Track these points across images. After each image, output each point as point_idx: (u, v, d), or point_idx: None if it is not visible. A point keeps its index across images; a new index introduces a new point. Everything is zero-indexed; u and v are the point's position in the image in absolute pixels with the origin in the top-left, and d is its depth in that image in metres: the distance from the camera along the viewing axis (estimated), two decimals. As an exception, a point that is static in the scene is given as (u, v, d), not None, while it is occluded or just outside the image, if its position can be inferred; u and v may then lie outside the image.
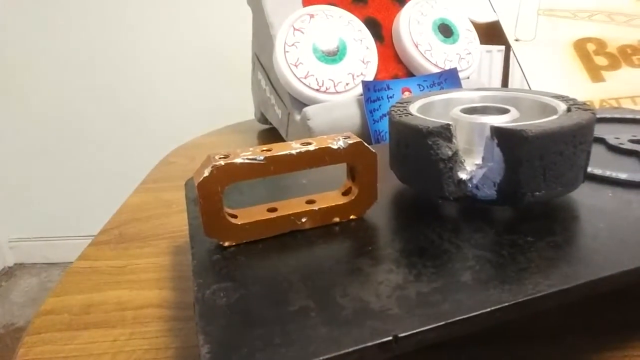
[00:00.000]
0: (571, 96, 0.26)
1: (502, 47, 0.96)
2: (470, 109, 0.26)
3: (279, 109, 0.50)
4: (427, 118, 0.23)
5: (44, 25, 1.37)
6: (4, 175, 1.53)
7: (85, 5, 1.35)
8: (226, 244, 0.21)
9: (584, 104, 0.24)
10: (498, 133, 0.21)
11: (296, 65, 0.44)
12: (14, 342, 1.22)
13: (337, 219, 0.23)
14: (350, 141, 0.22)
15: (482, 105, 0.27)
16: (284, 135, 0.51)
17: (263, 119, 0.59)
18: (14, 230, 1.61)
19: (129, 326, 0.24)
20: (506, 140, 0.20)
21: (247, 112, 0.70)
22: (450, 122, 0.22)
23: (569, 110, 0.23)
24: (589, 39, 0.59)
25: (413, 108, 0.26)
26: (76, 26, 1.37)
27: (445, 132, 0.22)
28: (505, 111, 0.25)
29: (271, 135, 0.59)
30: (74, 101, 1.45)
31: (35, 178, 1.54)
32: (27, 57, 1.40)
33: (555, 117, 0.22)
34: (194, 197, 0.27)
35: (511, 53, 0.60)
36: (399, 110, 0.25)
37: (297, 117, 0.45)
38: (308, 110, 0.43)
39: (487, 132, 0.21)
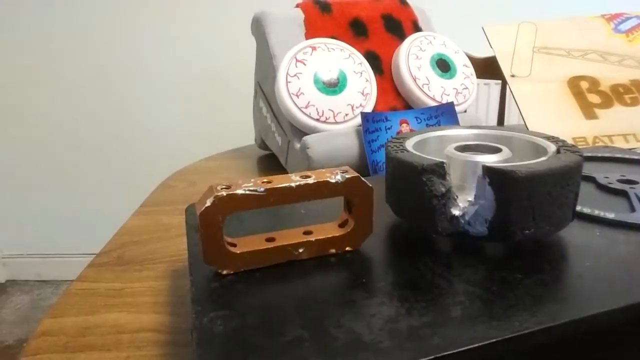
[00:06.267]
0: (565, 133, 0.27)
1: (500, 81, 0.98)
2: (464, 147, 0.27)
3: (279, 137, 0.51)
4: (423, 155, 0.24)
5: (46, 44, 1.39)
6: (-1, 192, 1.53)
7: (89, 24, 1.38)
8: (225, 272, 0.22)
9: (573, 146, 0.25)
10: (490, 172, 0.22)
11: (297, 95, 0.45)
12: (2, 360, 1.20)
13: (333, 250, 0.23)
14: (347, 175, 0.22)
15: (476, 143, 0.28)
16: (283, 163, 0.52)
17: (263, 145, 0.60)
18: (7, 247, 1.61)
19: (125, 350, 0.24)
20: (497, 179, 0.21)
21: (247, 137, 0.71)
22: (444, 160, 0.23)
23: (558, 151, 0.24)
24: (583, 77, 0.61)
25: (409, 144, 0.27)
26: (77, 47, 1.40)
27: (439, 170, 0.22)
28: (497, 150, 0.26)
29: (271, 161, 0.59)
30: (71, 120, 1.46)
31: (29, 195, 1.54)
32: (25, 77, 1.42)
33: (544, 158, 0.23)
34: (194, 224, 0.27)
35: (507, 88, 0.62)
36: (395, 146, 0.26)
37: (297, 146, 0.46)
38: (308, 139, 0.44)
39: (480, 171, 0.22)
